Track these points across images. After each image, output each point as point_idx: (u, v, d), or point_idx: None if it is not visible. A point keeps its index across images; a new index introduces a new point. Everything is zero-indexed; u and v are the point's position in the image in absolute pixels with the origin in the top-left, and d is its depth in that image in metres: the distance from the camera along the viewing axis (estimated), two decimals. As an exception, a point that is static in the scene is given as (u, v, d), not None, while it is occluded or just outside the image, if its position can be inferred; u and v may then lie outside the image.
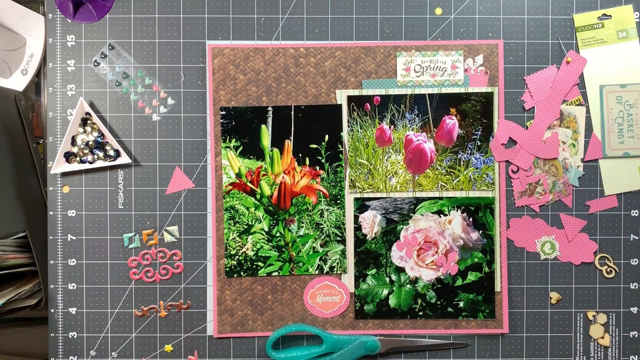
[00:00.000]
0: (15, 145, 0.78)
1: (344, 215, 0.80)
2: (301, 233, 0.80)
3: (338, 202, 0.80)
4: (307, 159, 0.80)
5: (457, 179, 0.80)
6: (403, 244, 0.80)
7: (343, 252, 0.80)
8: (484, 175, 0.80)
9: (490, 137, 0.80)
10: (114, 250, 0.80)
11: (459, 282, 0.80)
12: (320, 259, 0.80)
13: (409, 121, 0.80)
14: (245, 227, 0.80)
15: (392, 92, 0.80)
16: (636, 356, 0.81)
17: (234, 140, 0.80)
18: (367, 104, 0.80)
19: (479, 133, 0.80)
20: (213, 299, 0.80)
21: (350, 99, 0.80)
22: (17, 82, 0.83)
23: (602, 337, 0.81)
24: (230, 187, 0.80)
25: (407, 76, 0.80)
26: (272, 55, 0.80)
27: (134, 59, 0.80)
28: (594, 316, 0.81)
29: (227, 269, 0.80)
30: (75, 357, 0.80)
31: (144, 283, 0.80)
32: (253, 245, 0.80)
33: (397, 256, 0.80)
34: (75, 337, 0.80)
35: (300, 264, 0.80)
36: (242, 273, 0.80)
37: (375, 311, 0.80)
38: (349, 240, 0.80)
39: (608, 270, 0.81)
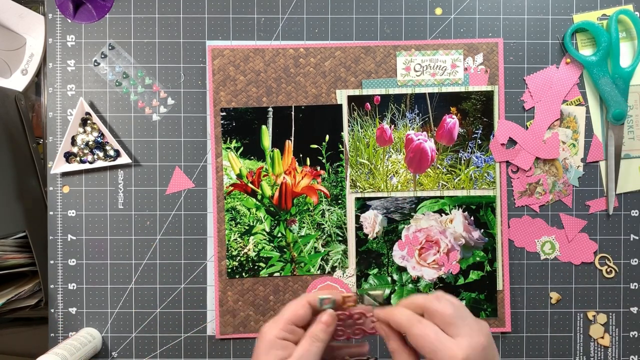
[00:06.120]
0: (15, 145, 0.78)
1: (345, 215, 0.80)
2: (302, 233, 0.80)
3: (339, 202, 0.80)
4: (307, 159, 0.80)
5: (458, 178, 0.80)
6: (404, 243, 0.80)
7: (345, 252, 0.80)
8: (485, 174, 0.80)
9: (491, 136, 0.80)
10: (114, 250, 0.80)
11: (461, 281, 0.79)
12: (322, 259, 0.80)
13: (410, 120, 0.80)
14: (247, 228, 0.80)
15: (392, 92, 0.80)
16: (636, 356, 0.81)
17: (234, 141, 0.80)
18: (368, 103, 0.80)
19: (480, 132, 0.80)
20: (215, 300, 0.80)
21: (351, 98, 0.80)
22: (17, 82, 0.83)
23: (602, 337, 0.81)
24: (231, 188, 0.80)
25: (407, 75, 0.80)
26: (271, 56, 0.80)
27: (134, 59, 0.80)
28: (594, 316, 0.81)
29: (229, 270, 0.80)
30: (76, 357, 0.80)
31: (144, 283, 0.80)
32: (254, 246, 0.80)
33: (399, 256, 0.80)
34: (75, 337, 0.80)
35: (302, 265, 0.80)
36: (243, 274, 0.80)
37: (376, 311, 0.80)
38: (351, 240, 0.80)
39: (608, 270, 0.81)
